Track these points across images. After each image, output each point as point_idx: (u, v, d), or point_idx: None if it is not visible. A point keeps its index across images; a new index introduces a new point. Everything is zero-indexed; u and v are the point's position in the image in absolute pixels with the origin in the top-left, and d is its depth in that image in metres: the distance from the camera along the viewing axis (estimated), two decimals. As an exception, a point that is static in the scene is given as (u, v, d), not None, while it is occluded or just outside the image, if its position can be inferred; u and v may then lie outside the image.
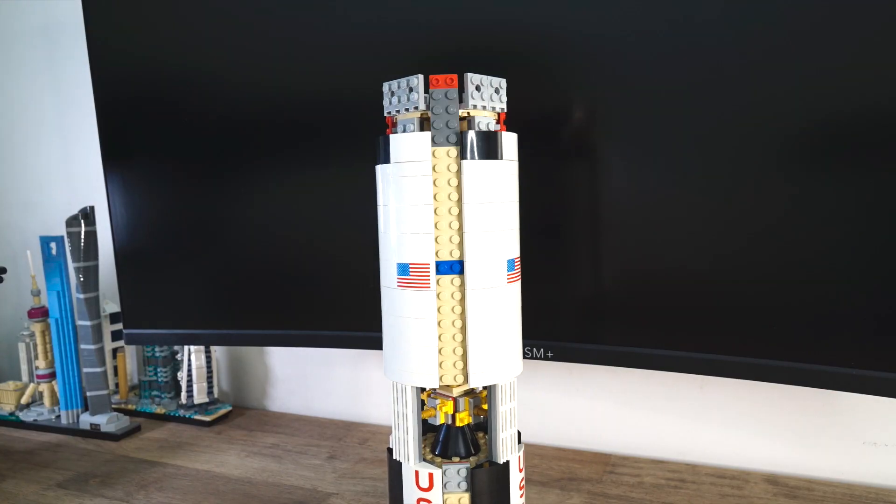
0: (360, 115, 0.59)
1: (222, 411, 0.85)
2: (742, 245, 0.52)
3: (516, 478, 0.42)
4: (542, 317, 0.59)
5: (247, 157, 0.68)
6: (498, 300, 0.40)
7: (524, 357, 0.60)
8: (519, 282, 0.42)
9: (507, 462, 0.42)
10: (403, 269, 0.40)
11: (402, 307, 0.40)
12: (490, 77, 0.40)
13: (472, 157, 0.39)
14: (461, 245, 0.39)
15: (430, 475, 0.41)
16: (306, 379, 0.88)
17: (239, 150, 0.68)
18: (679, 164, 0.53)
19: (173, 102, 0.70)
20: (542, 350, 0.60)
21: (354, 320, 0.66)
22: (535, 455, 0.70)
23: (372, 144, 0.41)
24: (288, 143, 0.66)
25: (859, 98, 0.47)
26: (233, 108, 0.68)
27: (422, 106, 0.39)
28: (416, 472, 0.41)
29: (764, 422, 0.67)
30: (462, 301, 0.40)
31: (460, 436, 0.43)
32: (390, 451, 0.43)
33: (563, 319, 0.59)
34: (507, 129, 0.42)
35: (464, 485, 0.41)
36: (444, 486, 0.41)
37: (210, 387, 0.84)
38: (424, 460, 0.42)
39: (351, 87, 0.62)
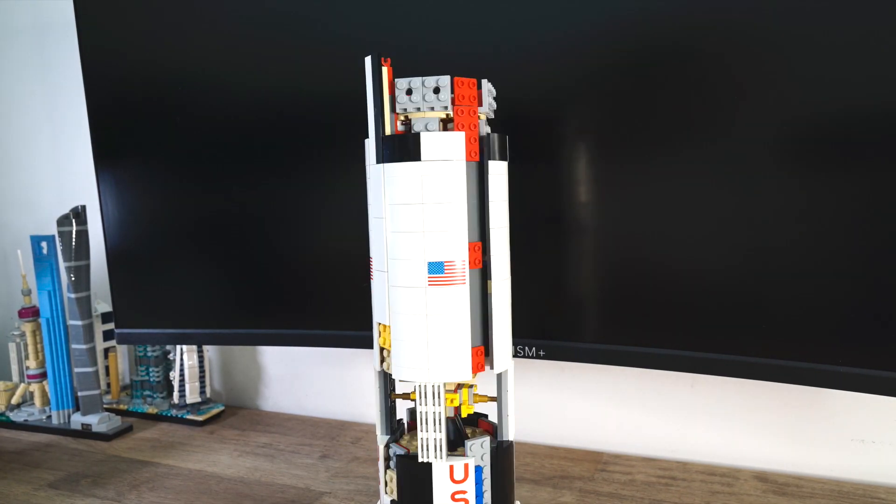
0: (352, 115, 0.59)
1: (215, 411, 0.84)
2: (732, 244, 0.52)
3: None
4: (534, 316, 0.60)
5: (238, 157, 0.68)
6: (508, 292, 0.43)
7: (516, 356, 0.60)
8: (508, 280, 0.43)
9: (511, 441, 0.44)
10: (436, 267, 0.40)
11: (434, 305, 0.40)
12: (488, 83, 0.41)
13: (493, 158, 0.41)
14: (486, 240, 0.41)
15: (466, 466, 0.41)
16: (299, 378, 0.88)
17: (230, 150, 0.68)
18: (671, 163, 0.54)
19: (165, 102, 0.69)
20: (533, 349, 0.60)
21: (347, 320, 0.66)
22: (528, 453, 0.71)
23: (362, 144, 0.42)
24: (280, 143, 0.66)
25: (855, 98, 0.48)
26: (224, 107, 0.67)
27: (449, 106, 0.40)
28: (451, 467, 0.41)
29: (754, 419, 0.67)
30: (483, 295, 0.41)
31: (454, 427, 0.44)
32: (406, 456, 0.43)
33: (555, 318, 0.60)
34: (497, 129, 0.42)
35: (487, 458, 0.43)
36: (473, 459, 0.42)
37: (202, 386, 0.84)
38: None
39: (344, 87, 0.62)
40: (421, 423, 0.41)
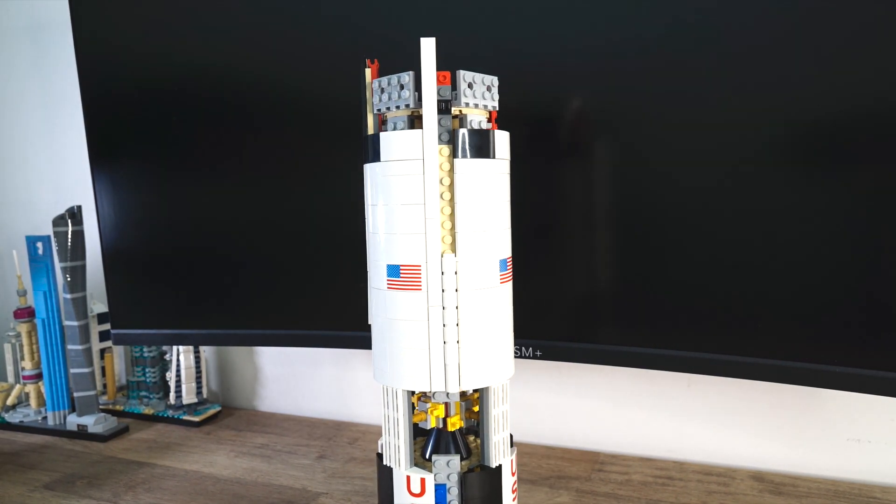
0: (351, 113, 0.59)
1: (211, 411, 0.84)
2: (729, 245, 0.53)
3: (508, 482, 0.42)
4: (532, 316, 0.59)
5: (235, 157, 0.68)
6: (491, 301, 0.40)
7: (514, 357, 0.60)
8: (511, 282, 0.42)
9: (500, 466, 0.41)
10: (394, 270, 0.39)
11: (392, 309, 0.40)
12: (482, 74, 0.40)
13: (465, 156, 0.39)
14: (454, 245, 0.39)
15: (423, 480, 0.40)
16: (296, 379, 0.88)
17: (226, 150, 0.68)
18: (669, 164, 0.54)
19: (161, 101, 0.69)
20: (531, 349, 0.60)
21: (343, 320, 0.66)
22: (524, 453, 0.71)
23: (361, 142, 0.41)
24: (276, 142, 0.66)
25: (852, 98, 0.48)
26: (221, 107, 0.67)
27: (413, 104, 0.39)
28: (408, 478, 0.41)
29: (750, 419, 0.67)
30: (454, 302, 0.39)
31: (451, 440, 0.43)
32: (380, 456, 0.43)
33: (552, 319, 0.60)
34: (499, 128, 0.42)
35: (454, 478, 0.41)
36: (435, 476, 0.41)
37: (199, 387, 0.84)
38: (416, 465, 0.42)
39: (342, 84, 0.62)
40: (384, 426, 0.41)
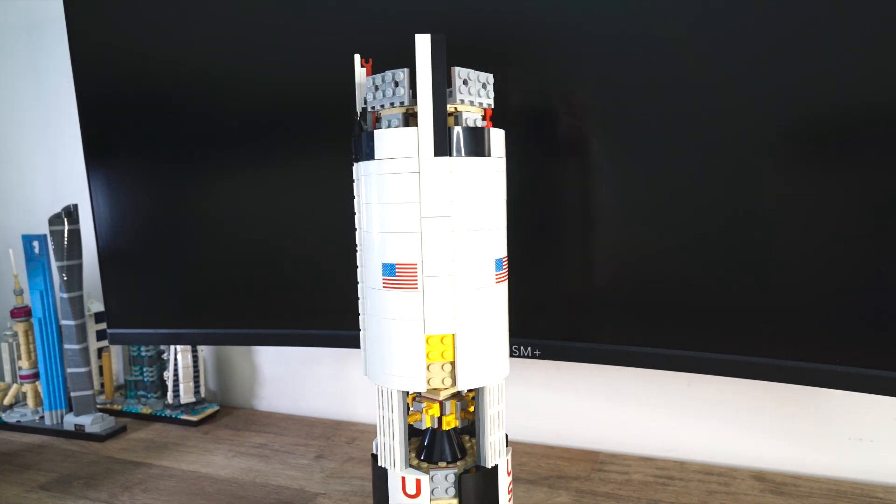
0: (349, 112, 0.59)
1: (209, 411, 0.84)
2: (729, 244, 0.52)
3: (504, 482, 0.42)
4: (530, 315, 0.59)
5: (232, 155, 0.67)
6: (486, 301, 0.40)
7: (512, 356, 0.60)
8: (506, 282, 0.42)
9: (496, 466, 0.41)
10: (389, 269, 0.39)
11: (387, 308, 0.39)
12: (477, 72, 0.40)
13: (459, 154, 0.38)
14: (449, 244, 0.38)
15: (418, 482, 0.40)
16: (294, 378, 0.88)
17: (223, 148, 0.67)
18: (667, 162, 0.53)
19: (156, 100, 0.69)
20: (529, 348, 0.60)
21: (341, 319, 0.65)
22: (524, 453, 0.70)
23: (353, 140, 0.41)
24: (273, 141, 0.65)
25: (849, 97, 0.47)
26: (217, 105, 0.67)
27: (407, 101, 0.38)
28: (403, 479, 0.40)
29: (751, 419, 0.67)
30: (450, 302, 0.39)
31: (446, 440, 0.42)
32: (375, 457, 0.42)
33: (551, 318, 0.59)
34: (495, 125, 0.41)
35: (452, 490, 0.41)
36: (432, 492, 0.40)
37: (197, 386, 0.83)
38: (410, 466, 0.42)
39: (337, 83, 0.61)
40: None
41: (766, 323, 0.52)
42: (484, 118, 0.41)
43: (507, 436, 0.43)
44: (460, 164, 0.38)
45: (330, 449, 0.73)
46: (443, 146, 0.38)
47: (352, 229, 0.43)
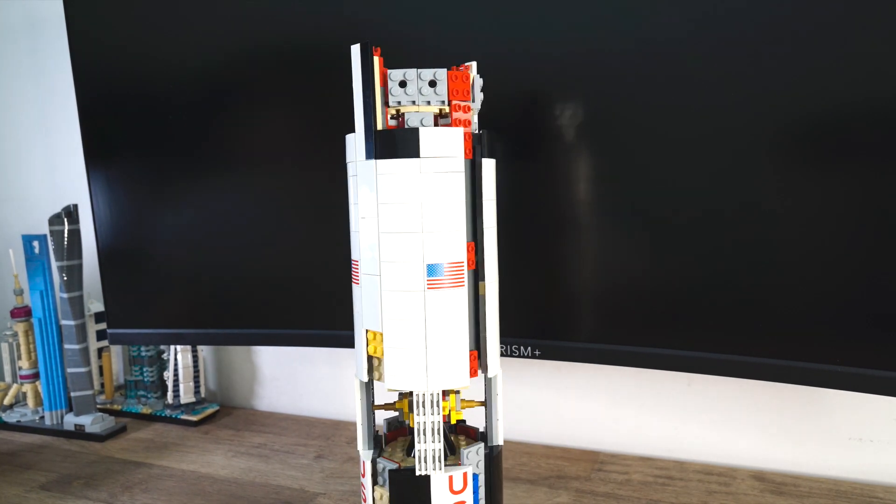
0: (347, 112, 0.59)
1: (209, 411, 0.84)
2: (728, 243, 0.52)
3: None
4: (530, 315, 0.59)
5: (230, 155, 0.67)
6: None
7: (512, 356, 0.60)
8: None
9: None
10: (435, 269, 0.38)
11: (433, 310, 0.39)
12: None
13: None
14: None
15: (465, 475, 0.41)
16: (294, 378, 0.88)
17: (223, 149, 0.67)
18: (667, 163, 0.53)
19: (156, 99, 0.69)
20: (529, 349, 0.60)
21: (341, 319, 0.65)
22: (524, 453, 0.70)
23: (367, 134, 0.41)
24: (272, 142, 0.65)
25: (846, 97, 0.47)
26: (216, 104, 0.67)
27: (446, 100, 0.39)
28: (451, 478, 0.40)
29: (751, 419, 0.67)
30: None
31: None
32: (400, 471, 0.41)
33: (551, 318, 0.59)
34: (489, 128, 0.42)
35: (481, 465, 0.42)
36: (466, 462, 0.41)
37: (197, 386, 0.83)
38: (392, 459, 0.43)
39: (337, 83, 0.61)
40: (419, 434, 0.40)
41: (767, 323, 0.52)
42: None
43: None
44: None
45: (330, 449, 0.73)
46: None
47: (348, 230, 0.43)
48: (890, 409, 0.62)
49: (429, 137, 0.38)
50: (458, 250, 0.39)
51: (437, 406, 0.39)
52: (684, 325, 0.55)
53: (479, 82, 0.41)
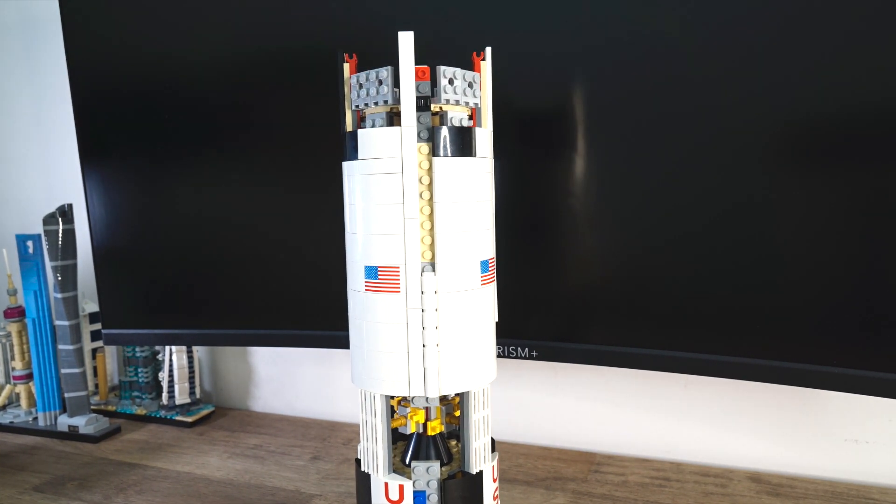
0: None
1: (204, 412, 0.84)
2: (727, 245, 0.52)
3: (490, 488, 0.41)
4: (527, 316, 0.59)
5: (227, 156, 0.67)
6: (471, 303, 0.39)
7: (508, 357, 0.60)
8: (494, 283, 0.41)
9: (480, 472, 0.40)
10: (371, 271, 0.38)
11: (370, 312, 0.39)
12: (464, 70, 0.39)
13: (445, 154, 0.37)
14: (433, 246, 0.38)
15: (401, 487, 0.39)
16: (289, 379, 0.88)
17: (219, 149, 0.67)
18: (665, 163, 0.53)
19: (152, 99, 0.68)
20: (526, 349, 0.60)
21: (337, 320, 0.65)
22: (520, 454, 0.70)
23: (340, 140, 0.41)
24: (269, 142, 0.65)
25: (845, 97, 0.47)
26: (211, 104, 0.67)
27: (391, 100, 0.38)
28: (386, 485, 0.40)
29: (747, 420, 0.67)
30: (434, 305, 0.38)
31: (432, 444, 0.42)
32: (358, 461, 0.42)
33: (548, 319, 0.59)
34: (491, 124, 0.41)
35: (434, 484, 0.40)
36: (414, 483, 0.40)
37: (192, 387, 0.83)
38: (395, 471, 0.41)
39: (335, 83, 0.61)
40: (362, 432, 0.39)
41: (763, 324, 0.52)
42: (470, 117, 0.40)
43: (493, 441, 0.42)
44: (445, 164, 0.37)
45: (325, 450, 0.73)
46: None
47: (342, 230, 0.43)
48: (886, 411, 0.62)
49: (365, 138, 0.38)
50: (395, 254, 0.38)
51: (378, 408, 0.39)
52: (681, 326, 0.55)
53: (459, 77, 0.39)
